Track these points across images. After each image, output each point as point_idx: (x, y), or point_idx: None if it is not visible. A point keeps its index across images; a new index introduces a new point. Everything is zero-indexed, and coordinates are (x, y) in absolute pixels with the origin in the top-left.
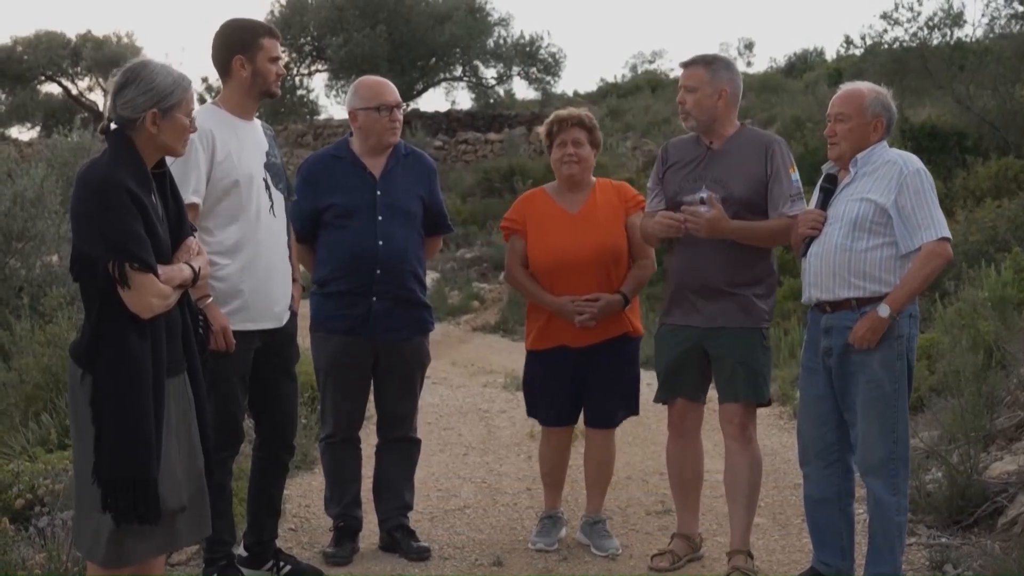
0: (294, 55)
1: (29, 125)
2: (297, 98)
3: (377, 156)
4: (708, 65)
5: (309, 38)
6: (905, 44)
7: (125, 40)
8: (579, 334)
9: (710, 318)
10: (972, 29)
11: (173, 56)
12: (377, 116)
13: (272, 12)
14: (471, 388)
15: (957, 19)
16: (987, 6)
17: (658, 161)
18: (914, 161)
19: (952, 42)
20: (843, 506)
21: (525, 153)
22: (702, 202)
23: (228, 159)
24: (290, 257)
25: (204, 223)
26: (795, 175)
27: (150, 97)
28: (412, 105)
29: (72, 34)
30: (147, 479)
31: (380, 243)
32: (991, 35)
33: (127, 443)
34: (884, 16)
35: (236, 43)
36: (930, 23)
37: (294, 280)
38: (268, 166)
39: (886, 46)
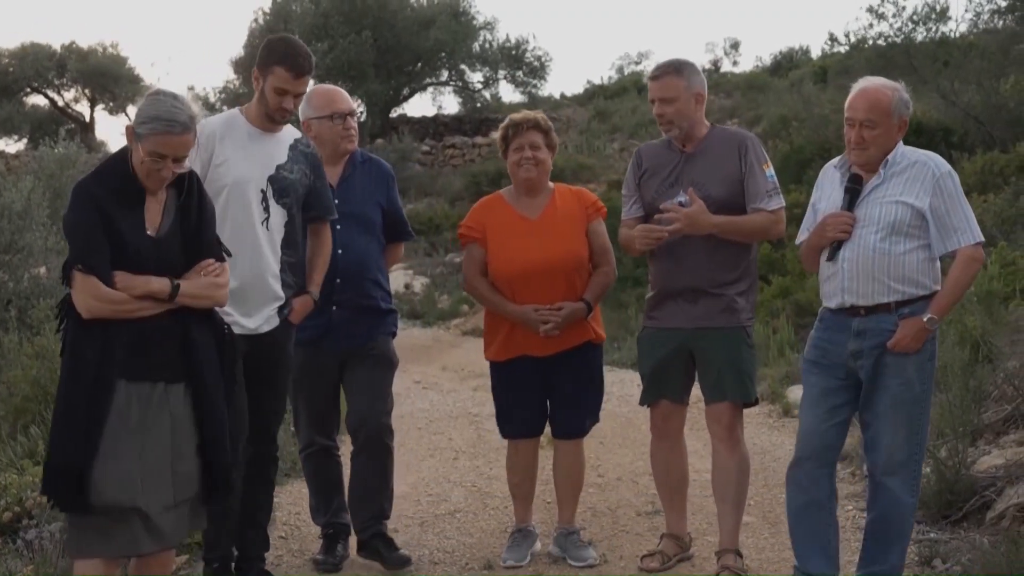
0: None
1: (16, 137)
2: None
3: (333, 165)
4: (680, 72)
5: None
6: (890, 40)
7: (111, 51)
8: (542, 343)
9: (694, 319)
10: (956, 24)
11: (159, 66)
12: (331, 124)
13: (256, 20)
14: (461, 392)
15: (942, 15)
16: (970, 1)
17: (632, 167)
18: (942, 162)
19: (937, 38)
20: (831, 508)
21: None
22: (681, 205)
23: (224, 164)
24: (288, 271)
25: None
26: (770, 171)
27: (136, 113)
28: (399, 111)
29: (57, 45)
30: (69, 468)
31: (339, 252)
32: (975, 30)
33: (56, 432)
34: (870, 10)
35: (260, 57)
36: (915, 18)
37: (302, 292)
38: (275, 179)
39: (871, 42)
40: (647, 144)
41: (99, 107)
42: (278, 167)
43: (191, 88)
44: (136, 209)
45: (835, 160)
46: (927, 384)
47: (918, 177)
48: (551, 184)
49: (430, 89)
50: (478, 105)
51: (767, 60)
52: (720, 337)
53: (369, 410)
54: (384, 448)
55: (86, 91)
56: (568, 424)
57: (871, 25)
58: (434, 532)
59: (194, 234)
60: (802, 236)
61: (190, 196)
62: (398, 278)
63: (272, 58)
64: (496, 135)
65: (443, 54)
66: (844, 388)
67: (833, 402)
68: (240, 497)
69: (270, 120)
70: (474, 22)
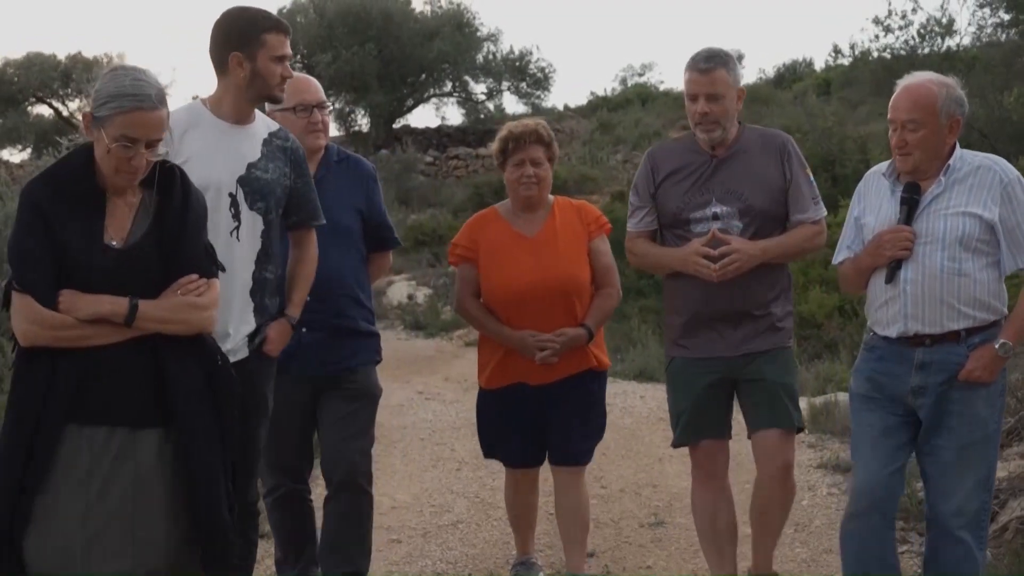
0: None
1: (20, 147)
2: None
3: None
4: (727, 65)
5: (299, 56)
6: (895, 52)
7: (116, 61)
8: (539, 371)
9: (738, 345)
10: (960, 38)
11: (163, 76)
12: (294, 118)
13: None
14: (464, 403)
15: (948, 28)
16: (973, 14)
17: (645, 172)
18: (1008, 166)
19: (941, 51)
20: (895, 565)
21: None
22: (715, 218)
23: (187, 164)
24: (263, 291)
25: None
26: (810, 175)
27: (92, 97)
28: (402, 121)
29: (62, 55)
30: None
31: None
32: (979, 43)
33: None
34: (876, 21)
35: (235, 37)
36: (922, 31)
37: (280, 315)
38: (246, 180)
39: (876, 54)
40: (660, 145)
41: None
42: (249, 166)
43: (195, 97)
44: (93, 215)
45: (881, 167)
46: (998, 422)
47: (983, 184)
48: (551, 197)
49: (434, 100)
50: (481, 116)
51: (770, 72)
52: (768, 360)
53: (344, 449)
54: (361, 493)
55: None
56: (565, 452)
57: (877, 37)
58: (437, 543)
59: (174, 243)
60: (841, 255)
61: (170, 195)
62: (400, 289)
63: (257, 29)
64: (494, 146)
65: (447, 65)
66: (903, 426)
67: (894, 443)
68: None
69: (272, 100)
70: (478, 33)
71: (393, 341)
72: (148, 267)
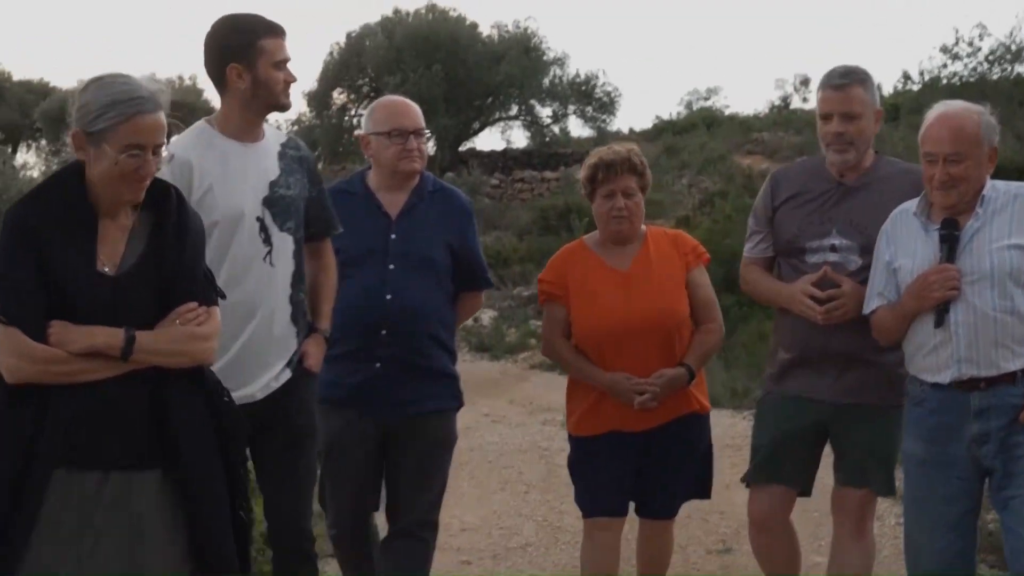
0: (352, 96)
1: None
2: (357, 139)
3: (396, 192)
4: (865, 84)
5: (367, 79)
6: (964, 79)
7: (187, 83)
8: (637, 417)
9: (843, 392)
10: None
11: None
12: (388, 143)
13: (331, 53)
14: (530, 426)
15: (1017, 54)
16: None
17: (765, 196)
18: None
19: (1012, 77)
20: None
21: (581, 191)
22: (834, 250)
23: (209, 194)
24: (301, 314)
25: None
26: None
27: (80, 114)
28: (468, 144)
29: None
30: None
31: (388, 297)
32: None
33: None
34: (944, 50)
35: (229, 48)
36: (990, 58)
37: (314, 330)
38: (271, 200)
39: (945, 81)
40: (785, 168)
41: (174, 138)
42: (271, 185)
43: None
44: (86, 240)
45: (908, 206)
46: None
47: (1022, 213)
48: (643, 227)
49: (499, 123)
50: (547, 139)
51: None
52: (873, 415)
53: (413, 499)
54: (421, 542)
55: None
56: (658, 504)
57: (945, 65)
58: (506, 565)
59: (172, 269)
60: (873, 302)
61: (166, 216)
62: None
63: (251, 37)
64: (580, 174)
65: (513, 89)
66: (968, 493)
67: (958, 511)
68: None
69: (279, 109)
70: (544, 58)
71: (459, 363)
72: (143, 295)
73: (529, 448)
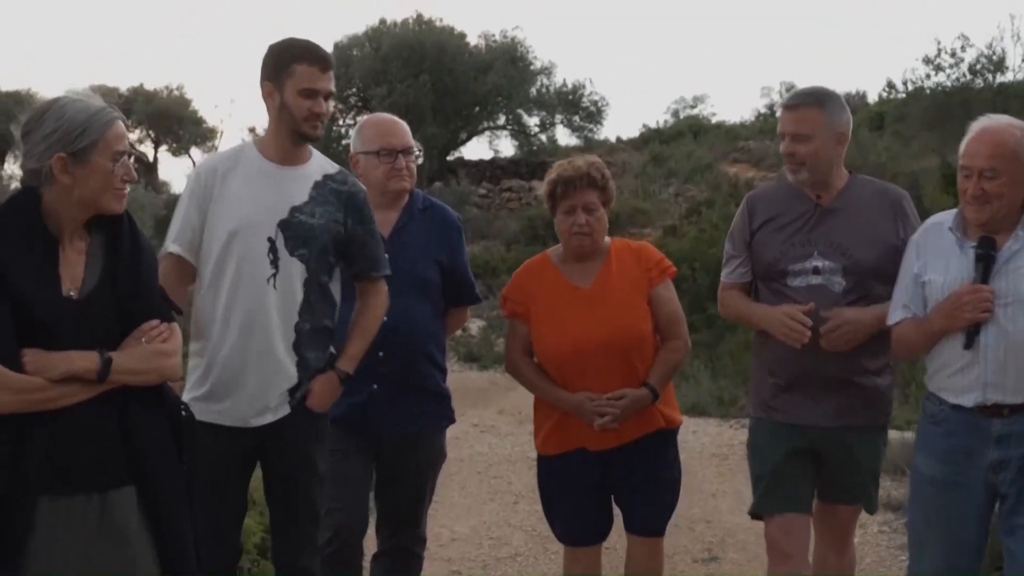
0: (340, 106)
1: None
2: (343, 148)
3: (386, 211)
4: (821, 105)
5: (354, 89)
6: (947, 89)
7: (176, 93)
8: (601, 435)
9: (835, 415)
10: (1013, 74)
11: (221, 108)
12: (376, 161)
13: None
14: (519, 436)
15: (999, 65)
16: None
17: (742, 219)
18: None
19: (995, 86)
20: None
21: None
22: (816, 272)
23: (225, 207)
24: (305, 344)
25: (199, 283)
26: None
27: (57, 138)
28: (456, 154)
29: (124, 88)
30: None
31: (384, 318)
32: None
33: None
34: (927, 61)
35: (267, 66)
36: (973, 68)
37: (327, 369)
38: (287, 224)
39: (929, 91)
40: (761, 189)
41: (162, 148)
42: (293, 209)
43: (252, 129)
44: (50, 265)
45: (943, 219)
46: None
47: None
48: (607, 240)
49: (487, 133)
50: (534, 148)
51: None
52: (862, 436)
53: (402, 514)
54: (411, 558)
55: (150, 132)
56: (641, 519)
57: (928, 76)
58: (496, 575)
59: (130, 289)
60: (897, 314)
61: (120, 239)
62: None
63: (287, 58)
64: (543, 188)
65: (500, 98)
66: (979, 517)
67: (968, 530)
68: None
69: (301, 138)
70: (531, 67)
71: (448, 374)
72: (107, 316)
73: (518, 458)
